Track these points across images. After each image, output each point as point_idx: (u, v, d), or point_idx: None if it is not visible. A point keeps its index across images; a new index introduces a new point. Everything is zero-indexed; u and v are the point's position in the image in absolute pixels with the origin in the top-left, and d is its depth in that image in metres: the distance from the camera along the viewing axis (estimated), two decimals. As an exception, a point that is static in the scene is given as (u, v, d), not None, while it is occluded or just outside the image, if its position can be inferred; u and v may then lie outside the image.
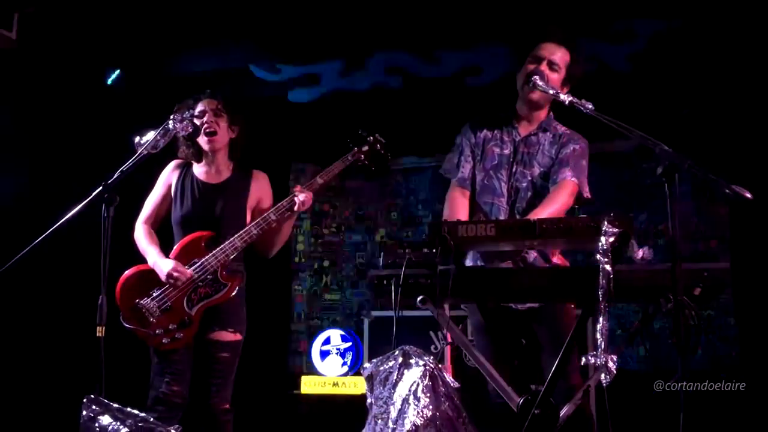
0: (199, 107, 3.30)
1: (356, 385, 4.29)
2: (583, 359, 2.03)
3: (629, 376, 5.35)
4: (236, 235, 3.18)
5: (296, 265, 6.44)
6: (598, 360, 2.00)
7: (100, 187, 2.78)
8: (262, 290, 5.46)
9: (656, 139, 2.26)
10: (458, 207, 2.97)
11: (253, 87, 5.41)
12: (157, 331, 3.09)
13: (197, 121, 3.23)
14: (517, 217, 2.83)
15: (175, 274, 3.08)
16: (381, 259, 2.49)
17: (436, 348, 4.50)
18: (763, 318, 5.00)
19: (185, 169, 3.34)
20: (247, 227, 3.21)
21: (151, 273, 3.13)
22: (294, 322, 6.31)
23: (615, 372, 1.99)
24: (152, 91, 5.35)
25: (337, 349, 5.09)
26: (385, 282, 2.48)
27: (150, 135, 2.99)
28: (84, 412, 2.54)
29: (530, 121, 2.99)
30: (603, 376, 1.99)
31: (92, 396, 2.56)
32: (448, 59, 4.79)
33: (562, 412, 2.33)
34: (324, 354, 5.14)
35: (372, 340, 4.80)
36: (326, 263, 6.55)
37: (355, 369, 5.04)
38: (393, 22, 4.63)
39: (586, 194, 2.90)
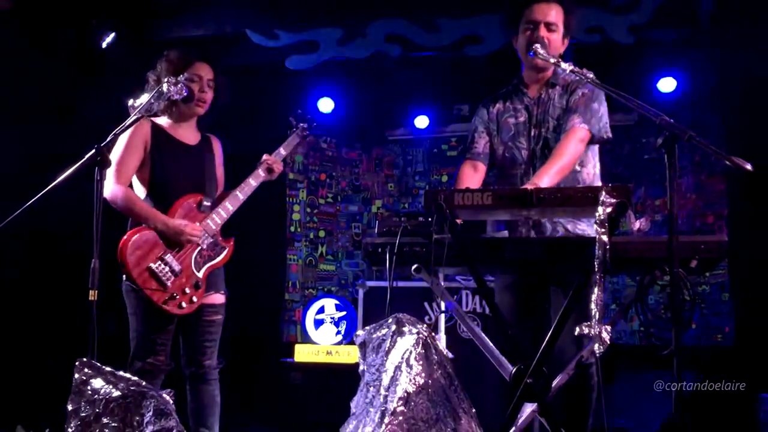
0: (195, 71, 3.22)
1: (350, 354, 4.30)
2: (577, 329, 2.02)
3: (623, 351, 5.41)
4: (227, 199, 3.21)
5: (291, 234, 6.42)
6: (592, 330, 1.99)
7: (93, 150, 2.74)
8: (257, 259, 5.49)
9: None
10: (465, 180, 2.94)
11: (249, 52, 5.34)
12: (174, 295, 3.05)
13: (192, 86, 3.17)
14: None
15: (196, 233, 3.09)
16: (376, 228, 2.47)
17: (430, 319, 4.51)
18: (757, 294, 5.01)
19: (156, 128, 3.20)
20: (233, 192, 3.24)
21: (155, 235, 3.05)
22: (288, 291, 6.32)
23: (608, 342, 1.98)
24: (146, 55, 5.29)
25: (332, 318, 5.10)
26: (379, 250, 2.46)
27: (144, 98, 2.95)
28: (76, 375, 2.52)
29: (538, 82, 2.95)
30: (596, 346, 1.98)
31: (84, 359, 2.56)
32: (448, 27, 4.71)
33: (554, 382, 2.33)
34: (318, 323, 5.14)
35: (366, 309, 4.79)
36: (322, 233, 6.54)
37: (349, 338, 5.05)
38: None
39: (605, 135, 2.83)
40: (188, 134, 3.29)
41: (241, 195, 3.24)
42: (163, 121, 3.27)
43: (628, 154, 5.73)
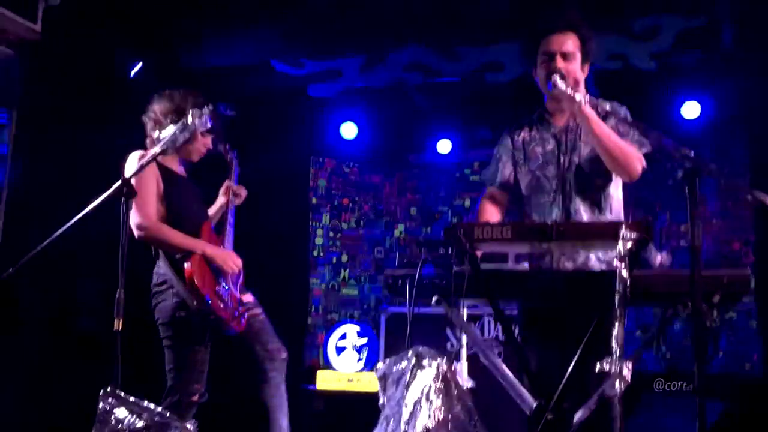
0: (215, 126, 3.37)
1: (371, 382, 4.28)
2: (598, 365, 2.01)
3: (647, 378, 5.34)
4: (227, 226, 3.45)
5: (314, 258, 6.45)
6: (613, 367, 1.98)
7: (119, 181, 2.79)
8: (281, 283, 5.52)
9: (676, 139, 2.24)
10: (488, 212, 2.95)
11: (273, 79, 5.41)
12: (235, 313, 3.22)
13: (206, 139, 3.38)
14: (576, 201, 2.78)
15: (237, 261, 3.30)
16: (396, 259, 2.49)
17: (452, 345, 4.49)
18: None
19: (159, 165, 3.26)
20: (225, 220, 3.50)
21: (208, 261, 3.20)
22: (311, 315, 6.34)
23: (629, 380, 1.97)
24: (173, 84, 5.38)
25: (353, 344, 5.09)
26: (400, 282, 2.47)
27: (169, 130, 3.01)
28: (101, 405, 2.56)
29: (563, 111, 2.94)
30: (617, 382, 1.96)
31: (109, 389, 2.60)
32: (468, 55, 4.75)
33: (576, 416, 2.31)
34: (340, 350, 5.14)
35: (388, 336, 4.79)
36: (345, 257, 6.56)
37: (371, 365, 5.03)
38: (413, 18, 4.59)
39: (648, 150, 2.80)
40: (176, 166, 3.41)
41: (231, 218, 3.50)
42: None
43: (653, 179, 5.67)
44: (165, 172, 3.27)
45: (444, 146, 6.30)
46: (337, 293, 6.50)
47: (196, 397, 3.16)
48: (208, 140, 3.42)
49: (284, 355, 3.40)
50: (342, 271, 6.54)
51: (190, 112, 2.96)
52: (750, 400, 4.65)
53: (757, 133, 5.26)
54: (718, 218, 5.49)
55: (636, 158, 2.75)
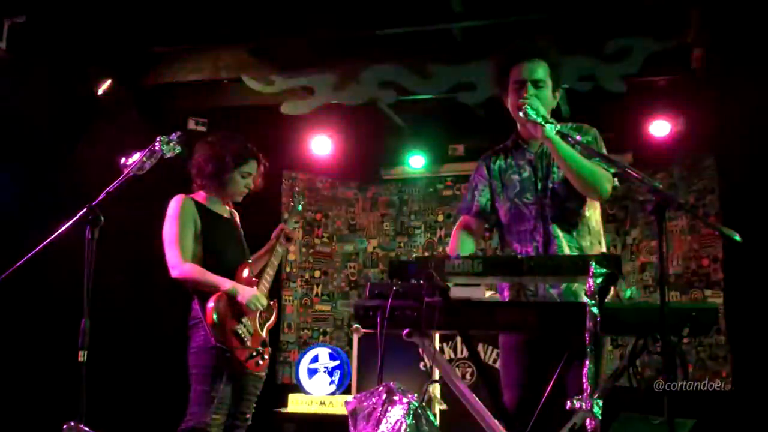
0: (248, 168, 3.50)
1: (343, 405, 4.24)
2: (568, 403, 2.00)
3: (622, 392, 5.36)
4: (265, 268, 3.56)
5: (287, 274, 6.40)
6: (583, 404, 1.97)
7: (85, 208, 2.74)
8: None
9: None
10: (461, 241, 2.92)
11: (245, 95, 5.37)
12: (253, 354, 3.29)
13: (246, 180, 3.49)
14: (553, 227, 2.77)
15: (263, 301, 3.38)
16: (367, 291, 2.47)
17: (425, 366, 4.46)
18: (755, 337, 4.99)
19: (198, 204, 3.44)
20: (266, 261, 3.59)
21: (233, 299, 3.29)
22: (284, 332, 6.28)
23: (600, 418, 1.96)
24: (144, 100, 5.33)
25: (325, 367, 5.05)
26: (371, 313, 2.45)
27: (136, 156, 2.95)
28: (64, 440, 2.51)
29: (536, 136, 2.94)
30: (588, 421, 1.96)
31: (72, 423, 2.54)
32: (441, 74, 4.75)
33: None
34: (312, 372, 5.09)
35: (360, 356, 4.76)
36: (317, 273, 6.53)
37: (342, 388, 5.00)
38: (386, 37, 4.59)
39: (616, 170, 2.76)
40: (221, 209, 3.54)
41: (275, 261, 3.61)
42: (199, 197, 3.50)
43: (622, 196, 5.73)
44: (204, 212, 3.42)
45: (417, 161, 6.30)
46: (310, 309, 6.45)
47: (199, 424, 3.19)
48: (249, 181, 3.54)
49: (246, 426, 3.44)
50: (315, 287, 6.50)
51: (158, 138, 2.91)
52: (720, 416, 4.68)
53: (725, 153, 5.33)
54: (687, 234, 5.55)
55: (605, 178, 2.75)
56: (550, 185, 2.83)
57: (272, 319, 3.54)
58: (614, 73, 4.36)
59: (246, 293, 3.31)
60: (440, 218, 6.54)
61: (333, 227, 6.66)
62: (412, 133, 6.20)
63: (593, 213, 2.89)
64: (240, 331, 3.27)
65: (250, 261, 3.50)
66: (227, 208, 3.59)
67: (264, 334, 3.44)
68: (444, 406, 3.80)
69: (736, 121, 4.94)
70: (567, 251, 2.72)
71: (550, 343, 2.64)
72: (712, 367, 5.28)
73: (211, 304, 3.22)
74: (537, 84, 2.81)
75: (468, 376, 4.66)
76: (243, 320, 3.31)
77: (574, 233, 2.79)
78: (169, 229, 3.33)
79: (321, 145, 6.15)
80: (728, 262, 5.28)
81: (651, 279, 5.66)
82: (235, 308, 3.29)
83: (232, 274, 3.36)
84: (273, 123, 5.61)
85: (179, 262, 3.27)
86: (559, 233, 2.78)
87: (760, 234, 4.69)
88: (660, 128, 5.44)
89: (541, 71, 2.83)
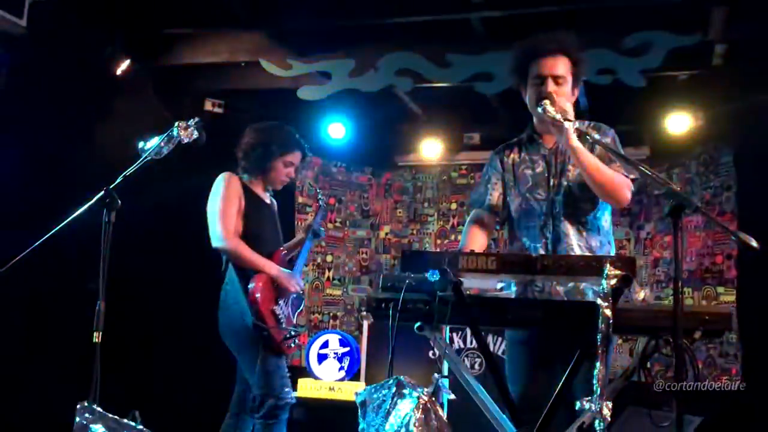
0: (292, 158, 3.65)
1: (352, 392, 4.28)
2: (578, 404, 2.01)
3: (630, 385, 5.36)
4: (300, 256, 3.70)
5: (299, 258, 6.42)
6: (593, 406, 1.98)
7: (102, 191, 2.76)
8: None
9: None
10: (474, 235, 2.91)
11: (262, 79, 5.36)
12: (287, 336, 3.41)
13: (288, 169, 3.62)
14: (564, 224, 2.76)
15: (301, 284, 3.57)
16: (380, 282, 2.48)
17: (434, 354, 4.48)
18: (766, 335, 4.96)
19: (244, 185, 3.57)
20: (297, 252, 3.74)
21: (273, 282, 3.43)
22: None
23: (609, 419, 1.97)
24: (161, 81, 5.34)
25: (335, 353, 5.09)
26: (383, 305, 2.46)
27: (154, 141, 2.97)
28: (77, 419, 2.54)
29: (552, 133, 2.93)
30: (597, 423, 1.97)
31: (86, 403, 2.57)
32: (459, 63, 4.72)
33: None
34: (321, 357, 5.13)
35: (370, 343, 4.79)
36: (329, 258, 6.55)
37: (351, 374, 5.04)
38: (405, 25, 4.57)
39: (636, 176, 2.79)
40: (263, 194, 3.66)
41: (304, 255, 3.74)
42: (244, 178, 3.62)
43: (637, 190, 5.69)
44: (249, 193, 3.54)
45: (432, 148, 6.29)
46: (321, 293, 6.49)
47: (280, 400, 3.37)
48: (291, 171, 3.66)
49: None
50: (326, 271, 6.52)
51: (176, 124, 2.92)
52: (729, 413, 4.68)
53: (743, 150, 5.28)
54: (701, 230, 5.52)
55: (625, 185, 2.74)
56: (565, 183, 2.81)
57: (302, 305, 3.70)
58: (634, 68, 4.31)
59: (288, 277, 3.47)
60: (453, 206, 6.54)
61: (346, 212, 6.68)
62: (428, 121, 6.18)
63: (604, 213, 2.88)
64: (278, 312, 3.41)
65: (283, 249, 3.62)
66: (267, 194, 3.71)
67: (295, 319, 3.58)
68: (453, 397, 3.82)
69: (756, 118, 4.89)
70: (577, 250, 2.72)
71: (556, 340, 2.66)
72: (722, 364, 5.27)
73: (255, 284, 3.35)
74: (557, 80, 2.78)
75: (477, 367, 4.68)
76: (280, 302, 3.45)
77: (584, 233, 2.78)
78: (217, 203, 3.45)
79: (336, 130, 6.15)
80: (742, 259, 5.25)
81: (663, 274, 5.65)
82: (274, 290, 3.42)
83: (268, 258, 3.48)
84: (289, 107, 5.60)
85: (227, 235, 3.39)
86: (570, 231, 2.77)
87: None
88: (678, 123, 5.39)
89: (562, 67, 2.80)
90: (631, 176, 2.78)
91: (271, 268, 3.45)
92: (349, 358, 5.05)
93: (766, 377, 4.93)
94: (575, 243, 2.75)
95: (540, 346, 2.74)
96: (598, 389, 1.98)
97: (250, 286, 3.35)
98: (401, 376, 2.25)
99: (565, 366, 2.34)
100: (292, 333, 3.44)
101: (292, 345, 3.49)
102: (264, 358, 3.32)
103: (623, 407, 4.66)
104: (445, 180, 6.60)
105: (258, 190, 3.63)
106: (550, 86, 2.76)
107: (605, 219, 2.88)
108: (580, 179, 2.78)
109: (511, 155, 2.96)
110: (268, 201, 3.69)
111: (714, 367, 5.33)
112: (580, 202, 2.80)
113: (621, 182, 2.72)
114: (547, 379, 2.69)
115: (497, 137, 3.19)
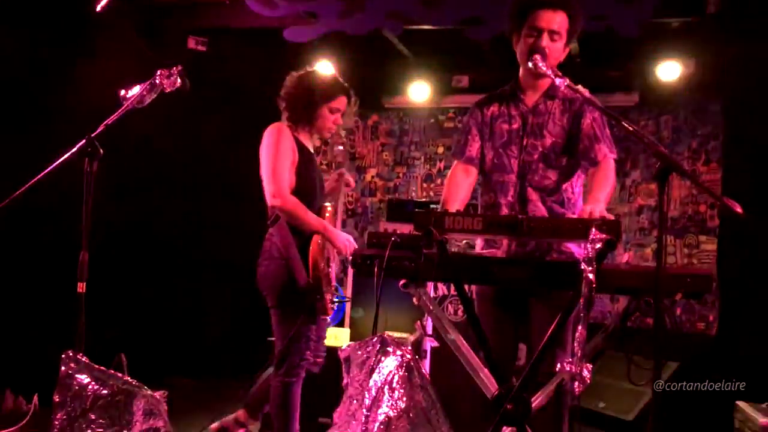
0: (338, 104, 3.45)
1: (337, 338, 4.31)
2: (558, 366, 2.05)
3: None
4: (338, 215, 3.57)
5: (285, 200, 6.40)
6: (573, 368, 2.01)
7: (83, 140, 2.71)
8: (249, 228, 5.48)
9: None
10: (456, 188, 2.90)
11: (247, 17, 5.23)
12: (328, 296, 3.30)
13: (335, 115, 3.44)
14: (530, 190, 2.77)
15: (354, 245, 3.33)
16: (366, 239, 2.48)
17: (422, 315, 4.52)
18: (745, 283, 5.04)
19: (294, 136, 3.37)
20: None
21: (325, 243, 3.31)
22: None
23: (588, 381, 2.01)
24: (143, 18, 5.19)
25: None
26: (368, 262, 2.47)
27: (136, 89, 2.89)
28: (62, 368, 2.55)
29: (535, 89, 2.87)
30: (576, 384, 2.00)
31: (71, 353, 2.58)
32: (450, 4, 4.61)
33: (534, 402, 2.36)
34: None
35: (356, 288, 4.82)
36: (315, 200, 6.52)
37: (336, 321, 5.07)
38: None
39: (616, 156, 2.83)
40: (308, 143, 3.48)
41: (340, 206, 3.64)
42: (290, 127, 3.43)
43: (625, 137, 5.68)
44: (300, 145, 3.36)
45: (420, 91, 6.20)
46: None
47: (305, 363, 3.28)
48: (338, 117, 3.48)
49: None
50: (312, 213, 6.51)
51: (159, 72, 2.85)
52: (702, 359, 4.80)
53: (732, 100, 5.26)
54: (686, 179, 5.54)
55: (612, 175, 2.76)
56: (539, 147, 2.80)
57: (338, 269, 3.62)
58: (628, 16, 4.23)
59: (344, 240, 3.33)
60: (440, 150, 6.51)
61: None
62: (416, 63, 6.07)
63: (573, 186, 2.86)
64: (327, 273, 3.33)
65: (329, 206, 3.48)
66: (311, 144, 3.54)
67: (334, 281, 3.50)
68: (436, 344, 3.88)
69: (746, 68, 4.85)
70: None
71: (520, 296, 2.70)
72: (700, 311, 5.38)
73: (313, 244, 3.23)
74: (553, 35, 2.74)
75: (460, 313, 4.74)
76: (332, 264, 3.39)
77: (548, 201, 2.79)
78: (270, 158, 3.26)
79: (323, 71, 6.02)
80: (724, 209, 5.29)
81: (647, 221, 5.69)
82: (325, 251, 3.32)
83: (319, 214, 3.36)
84: (274, 47, 5.48)
85: (285, 193, 3.23)
86: (533, 197, 2.78)
87: (760, 184, 4.70)
88: (669, 71, 5.33)
89: (560, 22, 2.75)
90: (613, 156, 2.78)
91: (328, 230, 3.30)
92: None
93: (742, 324, 5.05)
94: (541, 207, 2.77)
95: (507, 301, 2.78)
96: (579, 352, 2.02)
97: (311, 249, 3.23)
98: (385, 333, 2.27)
99: (543, 329, 2.36)
100: (343, 298, 3.41)
101: (331, 306, 3.37)
102: (303, 320, 3.23)
103: (602, 352, 4.79)
104: (433, 123, 6.54)
105: (305, 140, 3.45)
106: (545, 40, 2.73)
107: (572, 191, 2.86)
108: (555, 147, 2.78)
109: (491, 108, 2.93)
110: (311, 149, 3.52)
111: (692, 312, 5.43)
112: (548, 170, 2.79)
113: (612, 179, 2.74)
114: (512, 333, 2.77)
115: (486, 81, 3.13)
